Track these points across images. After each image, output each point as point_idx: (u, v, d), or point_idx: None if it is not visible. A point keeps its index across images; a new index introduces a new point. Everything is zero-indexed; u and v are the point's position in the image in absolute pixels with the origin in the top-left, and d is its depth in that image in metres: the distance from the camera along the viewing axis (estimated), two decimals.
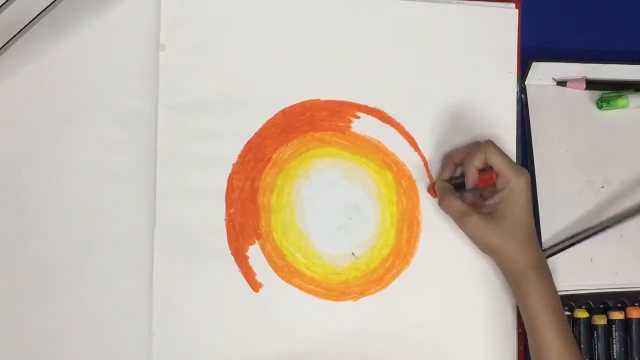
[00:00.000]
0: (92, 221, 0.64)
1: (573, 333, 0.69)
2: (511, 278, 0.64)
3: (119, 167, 0.65)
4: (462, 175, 0.66)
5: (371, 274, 0.67)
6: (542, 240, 0.70)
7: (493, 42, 0.70)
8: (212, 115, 0.65)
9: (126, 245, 0.64)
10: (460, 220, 0.64)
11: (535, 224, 0.70)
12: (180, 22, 0.65)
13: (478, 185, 0.65)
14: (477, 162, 0.64)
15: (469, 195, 0.66)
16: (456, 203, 0.64)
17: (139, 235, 0.64)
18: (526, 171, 0.63)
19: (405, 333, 0.67)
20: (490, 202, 0.64)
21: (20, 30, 0.63)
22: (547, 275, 0.63)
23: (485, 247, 0.64)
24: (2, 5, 0.59)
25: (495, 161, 0.64)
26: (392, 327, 0.67)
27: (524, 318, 0.63)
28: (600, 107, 0.72)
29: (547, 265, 0.64)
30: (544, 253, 0.65)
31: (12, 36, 0.63)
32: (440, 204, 0.66)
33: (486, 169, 0.64)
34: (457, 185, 0.66)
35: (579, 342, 0.69)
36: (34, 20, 0.63)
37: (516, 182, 0.63)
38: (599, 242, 0.70)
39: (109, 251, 0.64)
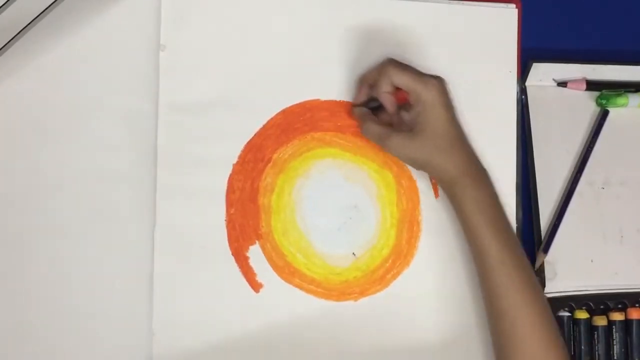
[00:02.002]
0: (92, 221, 0.64)
1: (573, 334, 0.69)
2: (445, 188, 0.64)
3: (119, 167, 0.65)
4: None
5: (371, 274, 0.67)
6: (542, 240, 0.70)
7: (493, 42, 0.70)
8: (212, 115, 0.65)
9: (126, 246, 0.64)
10: (382, 144, 0.64)
11: (535, 225, 0.70)
12: (180, 22, 0.65)
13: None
14: (386, 87, 0.63)
15: (389, 115, 0.65)
16: (374, 128, 0.64)
17: (139, 236, 0.64)
18: (435, 80, 0.62)
19: (406, 333, 0.67)
20: (408, 118, 0.63)
21: (21, 31, 0.63)
22: (482, 183, 0.62)
23: (413, 163, 0.64)
24: (2, 5, 0.59)
25: (400, 81, 0.62)
26: (392, 327, 0.67)
27: (462, 228, 0.63)
28: (599, 105, 0.72)
29: (483, 173, 0.63)
30: (479, 160, 0.64)
31: (12, 36, 0.63)
32: (360, 130, 0.65)
33: (398, 89, 0.63)
34: (376, 108, 0.65)
35: (579, 343, 0.69)
36: (34, 21, 0.63)
37: (426, 95, 0.61)
38: (599, 243, 0.71)
39: (109, 251, 0.64)
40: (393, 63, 0.63)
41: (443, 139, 0.62)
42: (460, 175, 0.62)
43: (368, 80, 0.65)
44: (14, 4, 0.59)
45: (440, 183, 0.64)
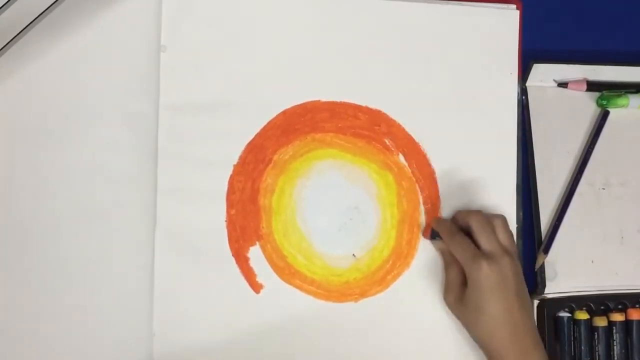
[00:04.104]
0: (93, 222, 0.64)
1: (573, 334, 0.69)
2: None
3: (119, 168, 0.65)
4: None
5: (372, 275, 0.67)
6: (542, 241, 0.70)
7: (494, 43, 0.70)
8: (212, 116, 0.65)
9: (127, 246, 0.64)
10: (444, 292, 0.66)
11: (536, 225, 0.70)
12: (181, 23, 0.65)
13: None
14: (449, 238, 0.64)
15: None
16: (453, 272, 0.65)
17: (140, 236, 0.64)
18: (490, 264, 0.60)
19: (406, 334, 0.67)
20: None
21: (21, 32, 0.63)
22: None
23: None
24: (2, 6, 0.58)
25: (455, 253, 0.63)
26: (392, 329, 0.67)
27: None
28: (600, 106, 0.72)
29: (526, 353, 0.60)
30: (528, 339, 0.60)
31: (12, 37, 0.63)
32: (450, 244, 0.64)
33: None
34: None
35: (579, 344, 0.69)
36: (34, 22, 0.63)
37: (473, 275, 0.61)
38: (599, 244, 0.71)
39: (110, 252, 0.64)
40: (482, 227, 0.62)
41: (484, 318, 0.61)
42: (495, 355, 0.61)
43: (462, 219, 0.65)
44: (15, 5, 0.59)
45: None
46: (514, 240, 0.64)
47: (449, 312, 0.67)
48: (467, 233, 0.64)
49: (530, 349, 0.61)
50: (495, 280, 0.60)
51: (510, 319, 0.60)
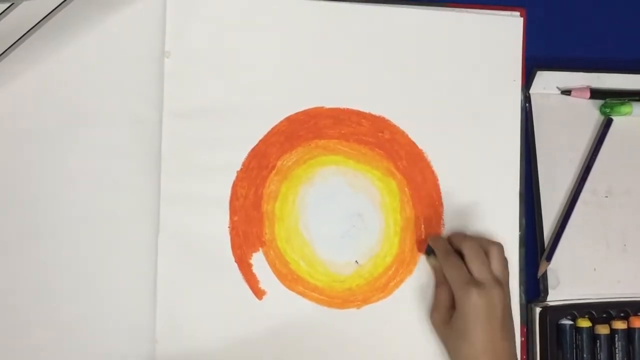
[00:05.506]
0: (96, 228, 0.64)
1: (575, 342, 0.69)
2: None
3: (123, 174, 0.65)
4: None
5: (374, 281, 0.67)
6: (545, 248, 0.70)
7: (498, 50, 0.70)
8: (216, 122, 0.65)
9: (130, 252, 0.64)
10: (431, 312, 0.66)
11: (539, 233, 0.70)
12: (185, 29, 0.65)
13: None
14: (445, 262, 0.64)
15: None
16: (443, 292, 0.64)
17: (143, 242, 0.64)
18: (479, 293, 0.60)
19: (408, 341, 0.67)
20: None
21: (23, 35, 0.63)
22: None
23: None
24: (5, 10, 0.58)
25: (447, 276, 0.63)
26: (395, 335, 0.67)
27: None
28: (603, 114, 0.72)
29: None
30: None
31: (15, 40, 0.63)
32: (443, 264, 0.64)
33: None
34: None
35: (581, 352, 0.69)
36: (37, 26, 0.63)
37: (461, 303, 0.61)
38: (602, 251, 0.71)
39: (113, 258, 0.64)
40: (474, 255, 0.62)
41: (463, 344, 0.61)
42: None
43: (457, 241, 0.65)
44: (18, 9, 0.59)
45: None
46: (507, 269, 0.64)
47: None
48: (463, 256, 0.63)
49: None
50: (483, 310, 0.60)
51: (493, 348, 0.60)
